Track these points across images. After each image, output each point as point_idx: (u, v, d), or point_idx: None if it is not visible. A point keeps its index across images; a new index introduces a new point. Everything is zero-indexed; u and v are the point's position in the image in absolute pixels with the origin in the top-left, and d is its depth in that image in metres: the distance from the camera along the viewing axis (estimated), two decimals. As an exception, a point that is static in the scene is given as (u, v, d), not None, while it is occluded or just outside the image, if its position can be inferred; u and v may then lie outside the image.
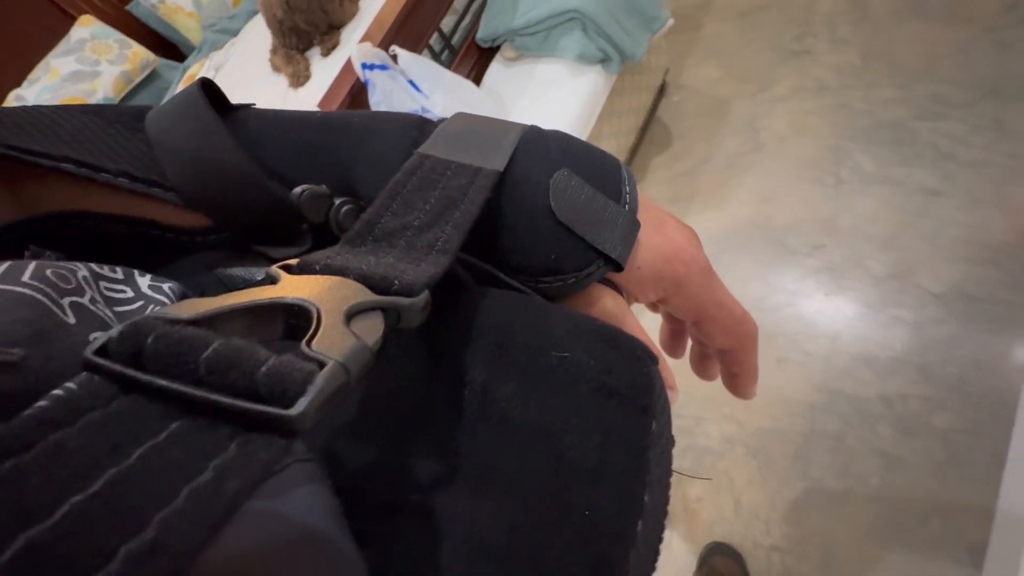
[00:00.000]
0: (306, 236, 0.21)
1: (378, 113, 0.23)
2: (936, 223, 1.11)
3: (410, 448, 0.17)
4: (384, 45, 1.15)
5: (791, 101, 1.41)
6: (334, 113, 0.23)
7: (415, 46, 1.22)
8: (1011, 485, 0.87)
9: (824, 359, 1.10)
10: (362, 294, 0.14)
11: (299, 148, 0.21)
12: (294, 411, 0.10)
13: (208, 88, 0.21)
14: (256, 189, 0.20)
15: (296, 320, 0.14)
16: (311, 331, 0.12)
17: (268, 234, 0.21)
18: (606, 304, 0.21)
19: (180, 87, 1.78)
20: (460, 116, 0.23)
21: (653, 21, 1.28)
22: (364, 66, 1.09)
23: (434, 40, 1.33)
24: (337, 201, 0.20)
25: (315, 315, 0.13)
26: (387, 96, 1.08)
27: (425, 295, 0.15)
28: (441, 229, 0.18)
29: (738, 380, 0.25)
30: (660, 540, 0.17)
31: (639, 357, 0.18)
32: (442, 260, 0.17)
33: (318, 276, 0.15)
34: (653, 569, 0.17)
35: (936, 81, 1.24)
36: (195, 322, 0.12)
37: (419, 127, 0.22)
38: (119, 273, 0.18)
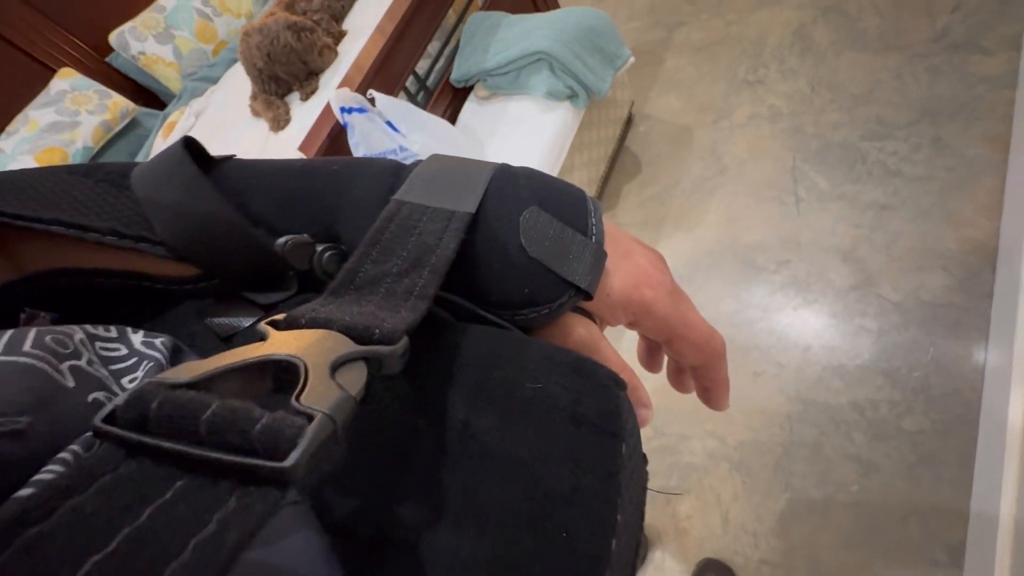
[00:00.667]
0: (292, 281, 0.22)
1: (358, 160, 0.25)
2: (889, 235, 1.18)
3: (395, 485, 0.18)
4: (362, 89, 1.20)
5: (748, 127, 1.49)
6: (315, 160, 0.24)
7: (391, 89, 1.27)
8: (981, 482, 0.91)
9: (797, 370, 1.14)
10: (345, 345, 0.15)
11: (282, 197, 0.22)
12: (287, 463, 0.11)
13: (191, 145, 0.22)
14: (242, 239, 0.21)
15: (285, 374, 0.14)
16: (300, 386, 0.13)
17: (255, 281, 0.22)
18: (579, 333, 0.22)
19: (160, 134, 1.81)
20: (434, 158, 0.24)
21: (615, 59, 1.36)
22: (343, 109, 1.14)
23: (410, 82, 1.39)
24: (319, 248, 0.21)
25: (302, 369, 0.14)
26: (366, 137, 1.13)
27: (404, 342, 0.16)
28: (419, 274, 0.19)
29: (711, 393, 0.27)
30: (635, 555, 0.19)
31: (607, 385, 0.19)
32: (420, 305, 0.18)
33: (304, 330, 0.16)
34: None
35: (877, 104, 1.33)
36: (193, 385, 0.13)
37: (395, 173, 0.23)
38: (113, 332, 0.19)
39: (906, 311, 1.09)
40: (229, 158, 0.24)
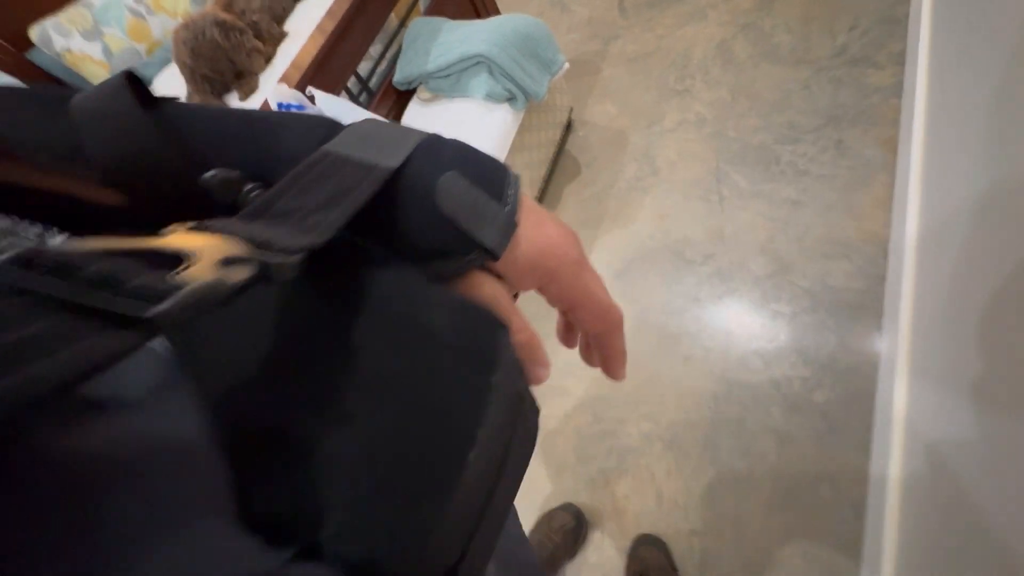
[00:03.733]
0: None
1: (293, 113, 0.26)
2: (800, 228, 1.29)
3: (290, 390, 0.20)
4: (300, 87, 1.21)
5: (677, 132, 1.60)
6: (253, 111, 0.26)
7: (333, 89, 1.29)
8: (877, 447, 1.00)
9: (721, 353, 1.22)
10: (240, 249, 0.16)
11: (218, 137, 0.24)
12: (151, 311, 0.12)
13: (132, 78, 0.23)
14: (170, 168, 0.22)
15: (175, 266, 0.15)
16: (182, 267, 0.14)
17: (181, 215, 0.22)
18: (486, 290, 0.24)
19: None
20: (369, 121, 0.26)
21: (551, 64, 1.43)
22: (280, 105, 1.14)
23: (352, 84, 1.41)
24: (248, 186, 0.22)
25: (189, 257, 0.15)
26: (304, 132, 1.13)
27: (298, 256, 0.17)
28: (329, 212, 0.20)
29: (609, 362, 0.29)
30: (499, 475, 0.21)
31: (487, 322, 0.22)
32: (324, 235, 0.19)
33: (206, 234, 0.17)
34: (494, 508, 0.20)
35: (790, 111, 1.46)
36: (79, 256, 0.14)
37: (328, 127, 0.25)
38: (31, 230, 0.21)
39: (815, 295, 1.20)
40: (172, 99, 0.25)
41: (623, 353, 0.29)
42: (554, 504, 1.19)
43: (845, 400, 1.07)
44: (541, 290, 0.26)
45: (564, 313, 0.29)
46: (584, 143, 1.74)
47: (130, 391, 0.20)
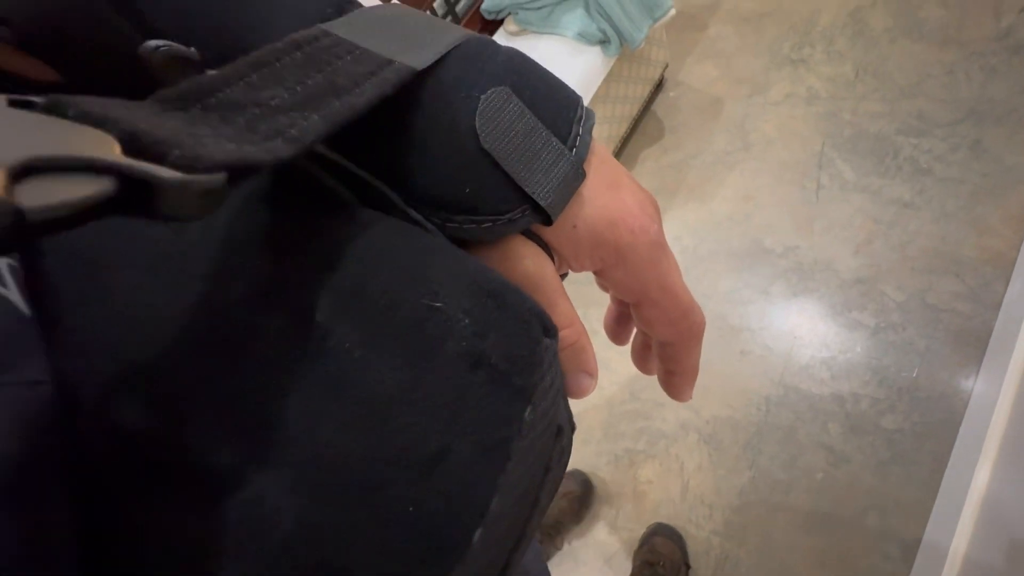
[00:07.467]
0: None
1: None
2: (906, 234, 1.13)
3: (208, 395, 0.13)
4: None
5: (782, 106, 1.43)
6: None
7: (416, 4, 1.22)
8: (949, 488, 0.89)
9: (784, 355, 1.11)
10: (96, 148, 0.09)
11: (187, 7, 0.17)
12: None
13: None
14: (101, 32, 0.16)
15: None
16: None
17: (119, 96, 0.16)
18: (527, 266, 0.18)
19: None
20: (394, 4, 0.20)
21: (655, 8, 1.29)
22: None
23: (438, 5, 1.33)
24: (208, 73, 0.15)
25: None
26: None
27: (207, 176, 0.10)
28: (303, 115, 0.13)
29: (674, 379, 0.23)
30: (517, 550, 0.15)
31: (527, 323, 0.15)
32: (280, 148, 0.12)
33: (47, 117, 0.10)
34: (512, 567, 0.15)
35: (922, 99, 1.26)
36: None
37: (338, 5, 0.18)
38: None
39: (908, 311, 1.06)
40: None
41: (695, 370, 0.23)
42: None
43: (920, 432, 0.96)
44: (602, 273, 0.20)
45: (628, 306, 0.22)
46: (674, 105, 1.60)
47: None
